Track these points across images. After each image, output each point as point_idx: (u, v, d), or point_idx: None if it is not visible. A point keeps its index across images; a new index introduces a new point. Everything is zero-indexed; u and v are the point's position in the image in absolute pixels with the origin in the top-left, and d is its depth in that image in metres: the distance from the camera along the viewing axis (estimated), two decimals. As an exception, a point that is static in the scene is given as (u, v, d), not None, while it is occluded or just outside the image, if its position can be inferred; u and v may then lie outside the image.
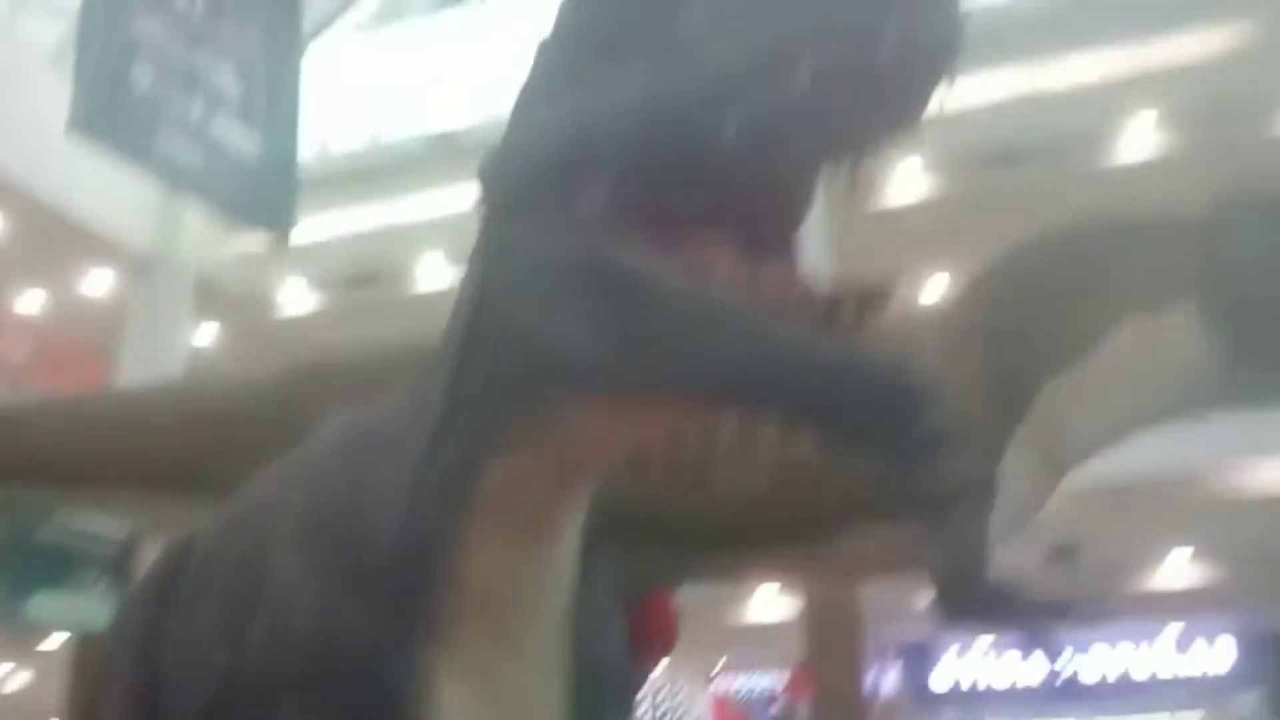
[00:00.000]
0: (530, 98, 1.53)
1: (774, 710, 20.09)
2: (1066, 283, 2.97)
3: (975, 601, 2.84)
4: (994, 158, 11.81)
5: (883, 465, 1.29)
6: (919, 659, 21.28)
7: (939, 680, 21.51)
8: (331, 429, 2.00)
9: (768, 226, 1.43)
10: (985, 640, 20.18)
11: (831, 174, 1.38)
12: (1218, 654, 20.15)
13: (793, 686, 19.86)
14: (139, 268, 12.57)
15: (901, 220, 12.01)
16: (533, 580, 1.69)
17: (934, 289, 12.79)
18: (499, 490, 1.62)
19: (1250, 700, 19.37)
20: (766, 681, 22.74)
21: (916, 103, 1.29)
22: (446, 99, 16.84)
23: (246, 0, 8.80)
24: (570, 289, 1.38)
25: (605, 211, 1.35)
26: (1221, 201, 2.91)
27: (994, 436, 2.89)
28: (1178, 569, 15.71)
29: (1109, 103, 12.14)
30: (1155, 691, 20.25)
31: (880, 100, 1.28)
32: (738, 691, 23.68)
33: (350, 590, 1.70)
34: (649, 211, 1.35)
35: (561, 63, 1.46)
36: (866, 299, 1.26)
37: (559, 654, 1.75)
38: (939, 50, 1.23)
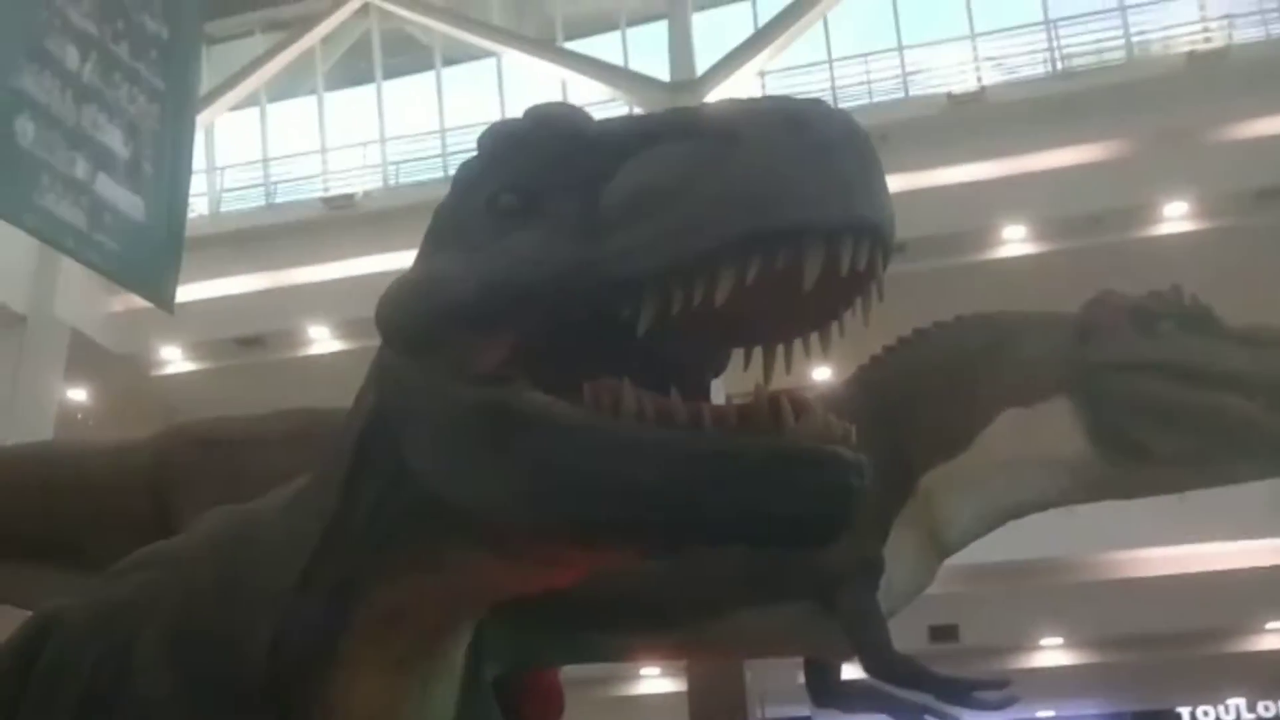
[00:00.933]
0: (443, 234, 1.45)
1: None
2: (948, 375, 3.07)
3: (888, 675, 2.87)
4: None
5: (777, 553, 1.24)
6: (801, 737, 21.28)
7: (820, 759, 21.51)
8: (209, 522, 1.88)
9: (680, 383, 1.34)
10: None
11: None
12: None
13: (675, 765, 19.64)
14: (11, 322, 12.11)
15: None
16: (411, 702, 1.61)
17: (821, 372, 13.09)
18: (383, 617, 1.54)
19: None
20: (649, 760, 22.44)
21: (834, 314, 1.25)
22: (342, 165, 16.79)
23: (139, 62, 8.65)
24: (468, 432, 1.31)
25: (507, 365, 1.29)
26: (1091, 303, 3.07)
27: (880, 518, 2.96)
28: (1049, 653, 16.10)
29: (990, 204, 12.72)
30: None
31: (796, 311, 1.24)
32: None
33: (217, 710, 1.61)
34: (550, 361, 1.28)
35: (482, 203, 1.38)
36: (783, 404, 1.19)
37: None
38: (864, 274, 1.17)
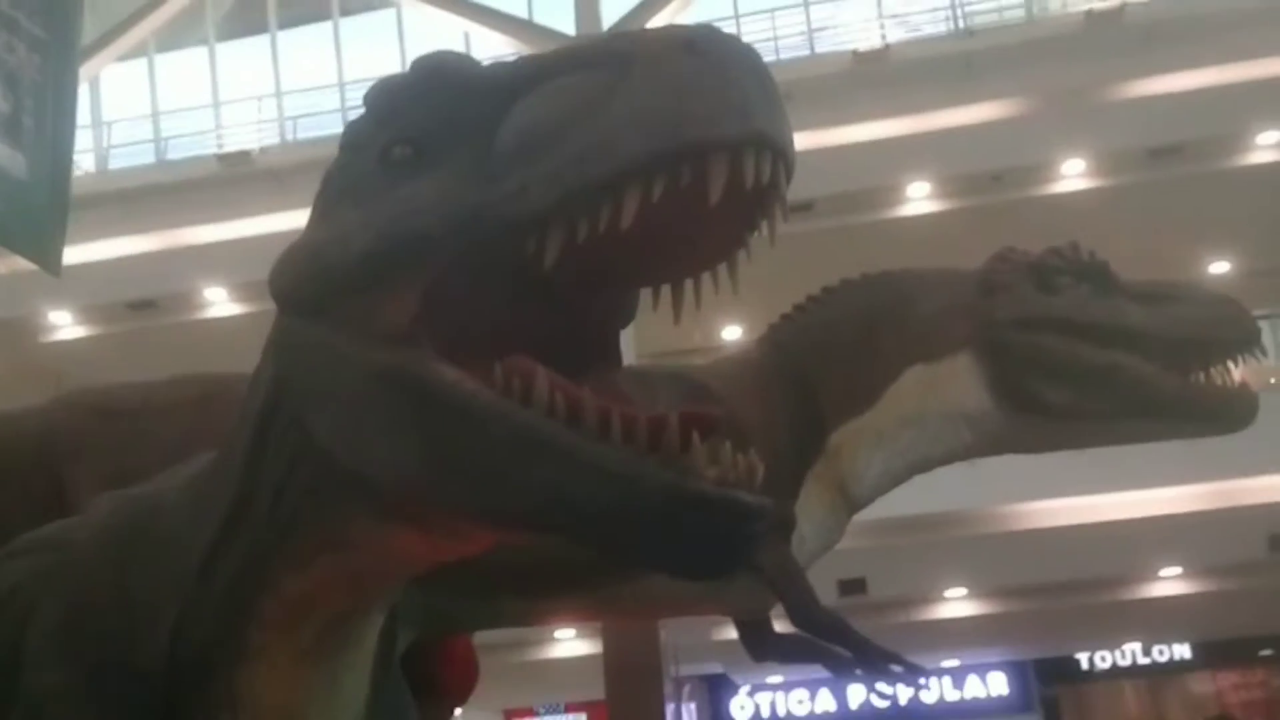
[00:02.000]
0: (337, 194, 1.39)
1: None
2: (855, 332, 3.09)
3: (818, 628, 2.89)
4: (791, 206, 12.27)
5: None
6: (717, 692, 21.65)
7: (736, 712, 21.94)
8: (103, 507, 1.77)
9: (587, 340, 1.34)
10: (779, 674, 20.75)
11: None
12: (992, 683, 21.39)
13: (590, 724, 19.83)
14: (-114, 287, 11.55)
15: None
16: (320, 693, 1.55)
17: (731, 331, 13.17)
18: (289, 604, 1.48)
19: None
20: (565, 720, 22.64)
21: (740, 240, 1.23)
22: (237, 119, 16.28)
23: (18, 10, 8.22)
24: (373, 403, 1.26)
25: (412, 325, 1.24)
26: (992, 260, 3.10)
27: (791, 474, 2.96)
28: (954, 604, 16.53)
29: (894, 162, 12.86)
30: (938, 718, 21.28)
31: (701, 242, 1.23)
32: (535, 730, 23.48)
33: (113, 702, 1.53)
34: (459, 329, 1.25)
35: (373, 158, 1.33)
36: (691, 422, 1.17)
37: None
38: (766, 190, 1.16)
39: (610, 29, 14.25)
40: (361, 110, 1.42)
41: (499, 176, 1.19)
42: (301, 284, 1.36)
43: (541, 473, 1.16)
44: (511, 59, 1.36)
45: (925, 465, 3.11)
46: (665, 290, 1.30)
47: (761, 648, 3.27)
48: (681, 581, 3.01)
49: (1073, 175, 13.13)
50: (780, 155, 1.16)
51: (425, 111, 1.30)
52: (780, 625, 3.22)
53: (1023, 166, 12.99)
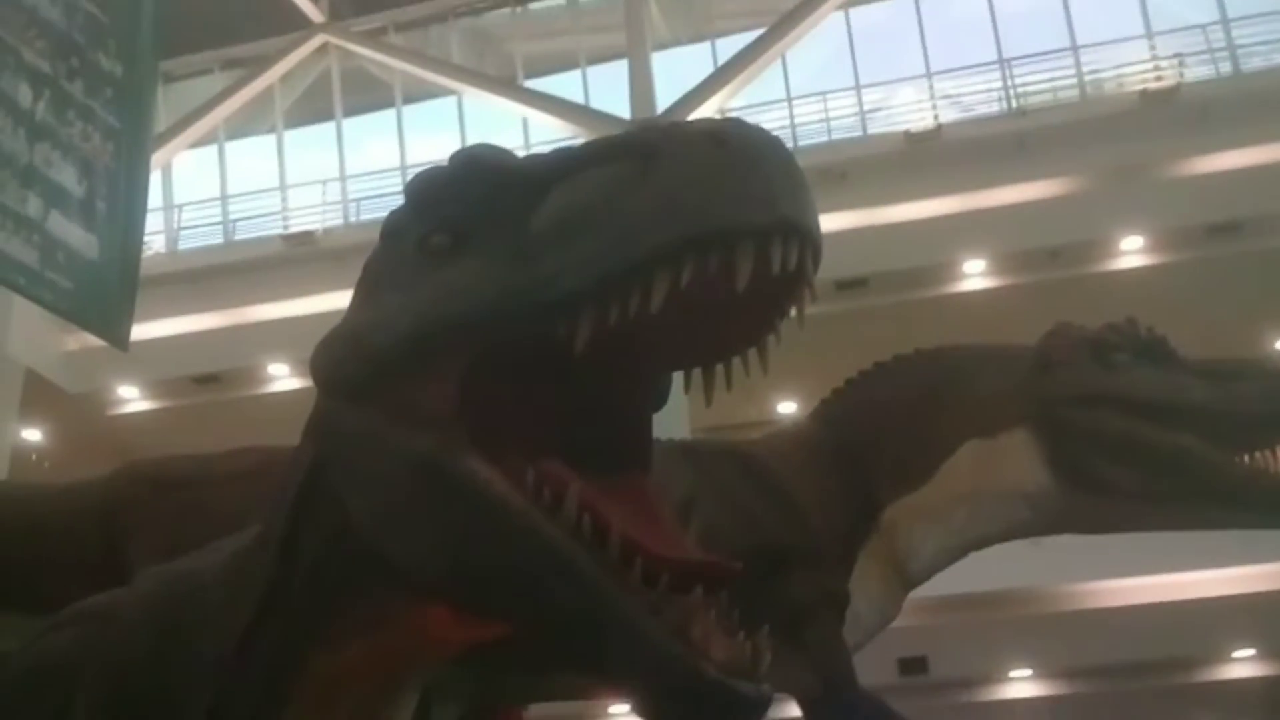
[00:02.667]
0: (376, 281, 1.43)
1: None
2: (909, 408, 3.07)
3: (853, 710, 2.83)
4: (845, 283, 12.32)
5: None
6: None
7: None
8: (146, 581, 1.81)
9: (615, 442, 1.37)
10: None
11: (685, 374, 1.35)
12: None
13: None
14: (-36, 363, 11.91)
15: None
16: None
17: (786, 406, 13.13)
18: (323, 684, 1.51)
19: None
20: (617, 801, 22.23)
21: (770, 324, 1.26)
22: (302, 202, 16.72)
23: (94, 100, 8.57)
24: (409, 492, 1.29)
25: (451, 412, 1.27)
26: (1049, 335, 3.09)
27: (845, 550, 2.95)
28: (1018, 685, 16.10)
29: (949, 239, 12.86)
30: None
31: (730, 327, 1.25)
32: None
33: None
34: (496, 417, 1.28)
35: (412, 246, 1.37)
36: (712, 578, 1.20)
37: None
38: (793, 277, 1.18)
39: (664, 113, 14.51)
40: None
41: (534, 262, 1.23)
42: (342, 368, 1.39)
43: (559, 594, 1.19)
44: (548, 150, 1.40)
45: (981, 543, 3.07)
46: (697, 373, 1.33)
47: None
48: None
49: (1130, 251, 13.04)
50: (807, 241, 1.19)
51: (463, 201, 1.34)
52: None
53: (1079, 243, 12.93)
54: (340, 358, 1.40)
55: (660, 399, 1.42)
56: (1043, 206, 12.71)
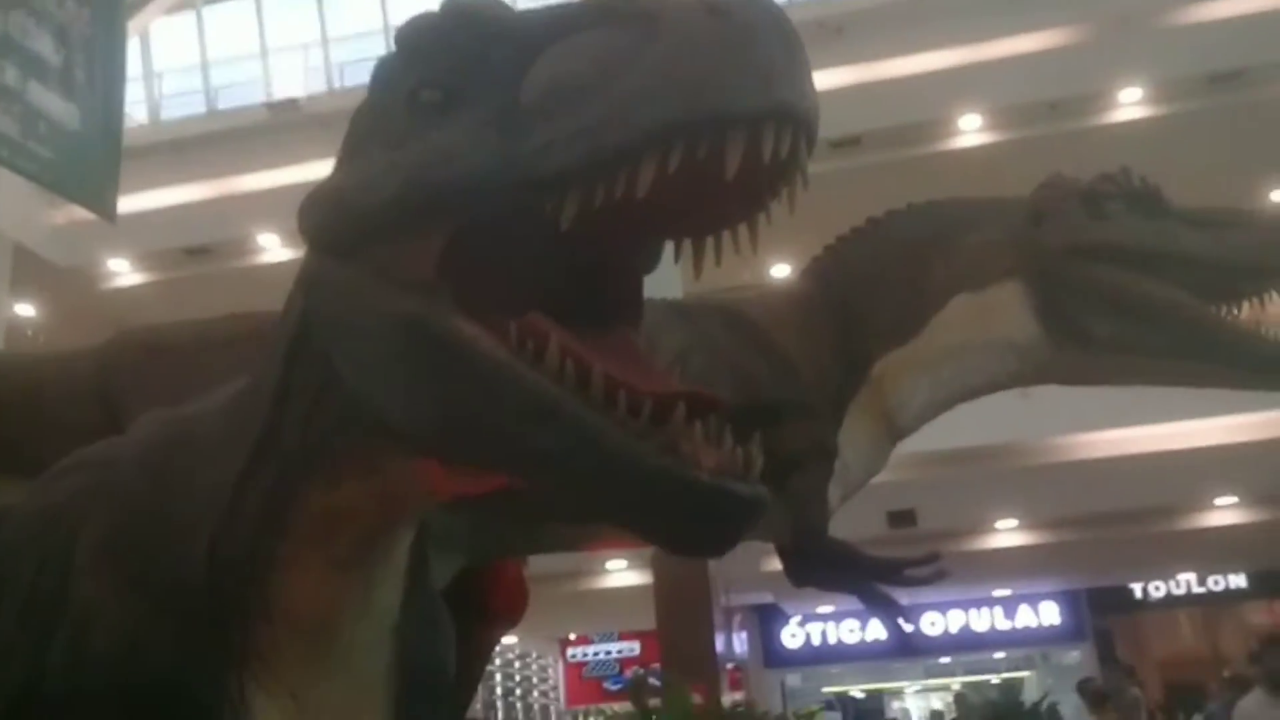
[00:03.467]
0: (365, 134, 1.43)
1: (627, 676, 20.31)
2: (900, 262, 3.09)
3: (821, 558, 2.91)
4: (836, 142, 12.14)
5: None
6: (767, 622, 21.91)
7: (787, 641, 22.20)
8: (145, 426, 1.86)
9: (605, 298, 1.38)
10: (830, 603, 20.93)
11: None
12: (1045, 613, 21.44)
13: (644, 653, 20.18)
14: (-48, 238, 11.82)
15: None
16: (354, 601, 1.63)
17: (780, 268, 13.11)
18: (320, 519, 1.55)
19: (1076, 656, 20.64)
20: (619, 649, 23.05)
21: (758, 206, 1.25)
22: (286, 67, 16.33)
23: (66, -36, 8.30)
24: (394, 350, 1.31)
25: (435, 273, 1.28)
26: (1042, 187, 3.08)
27: (835, 404, 2.99)
28: (1005, 535, 16.52)
29: (945, 94, 12.62)
30: (990, 647, 21.40)
31: (722, 202, 1.24)
32: (591, 660, 23.94)
33: (156, 610, 1.61)
34: (480, 277, 1.29)
35: (402, 100, 1.36)
36: (696, 405, 1.21)
37: (382, 666, 1.70)
38: (786, 162, 1.17)
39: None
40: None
41: (522, 132, 1.22)
42: (328, 226, 1.40)
43: (545, 438, 1.20)
44: (541, 5, 1.36)
45: (970, 394, 3.12)
46: (687, 244, 1.33)
47: (804, 574, 3.32)
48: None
49: (1130, 104, 12.83)
50: (801, 127, 1.17)
51: (453, 55, 1.32)
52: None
53: (1079, 95, 12.71)
54: (326, 215, 1.41)
55: (652, 261, 1.42)
56: (1041, 58, 12.44)
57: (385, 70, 1.43)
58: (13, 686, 1.77)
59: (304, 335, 1.49)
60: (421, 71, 1.35)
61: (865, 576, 2.95)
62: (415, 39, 1.39)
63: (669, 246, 1.37)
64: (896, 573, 2.94)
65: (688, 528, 1.20)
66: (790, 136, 1.16)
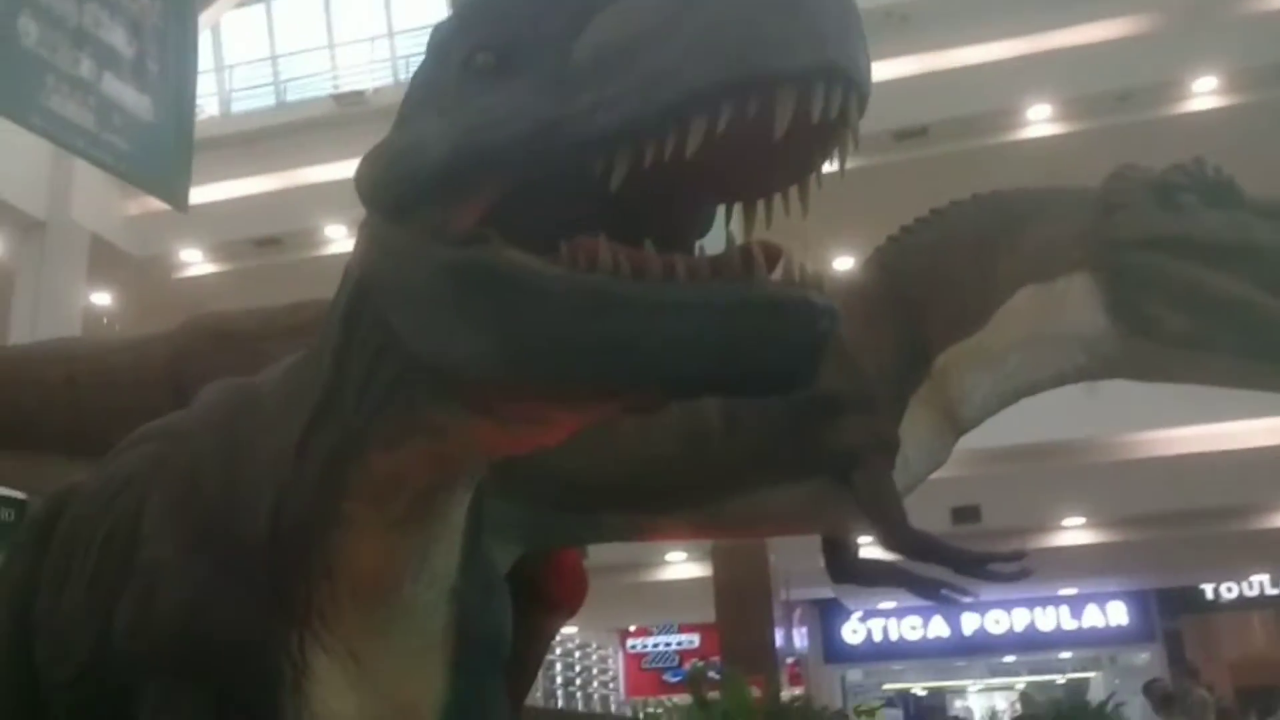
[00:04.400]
0: (420, 98, 1.45)
1: (686, 668, 20.35)
2: (965, 254, 3.05)
3: (909, 548, 2.90)
4: (904, 132, 12.01)
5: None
6: (828, 617, 21.80)
7: (848, 636, 22.07)
8: (210, 395, 1.93)
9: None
10: (890, 599, 20.77)
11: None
12: (1112, 612, 21.06)
13: (704, 646, 20.19)
14: (30, 228, 12.13)
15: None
16: (412, 561, 1.65)
17: (844, 262, 13.01)
18: (379, 480, 1.58)
19: (1144, 657, 20.26)
20: (678, 641, 23.08)
21: (808, 167, 1.25)
22: (353, 60, 16.54)
23: (140, -40, 8.47)
24: (447, 295, 1.33)
25: (482, 226, 1.30)
26: (1113, 178, 3.01)
27: (896, 397, 2.97)
28: (1072, 532, 16.27)
29: (1014, 84, 12.42)
30: (1055, 647, 21.07)
31: (773, 164, 1.24)
32: (650, 651, 24.01)
33: (221, 571, 1.66)
34: (531, 227, 1.29)
35: (456, 64, 1.37)
36: (755, 253, 1.21)
37: (439, 628, 1.72)
38: (836, 123, 1.17)
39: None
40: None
41: (572, 94, 1.22)
42: (380, 188, 1.44)
43: (609, 324, 1.20)
44: None
45: (1034, 388, 3.07)
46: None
47: (843, 571, 3.30)
48: (782, 501, 3.06)
49: (1204, 93, 12.52)
50: (851, 87, 1.15)
51: (508, 18, 1.34)
52: (869, 549, 3.25)
53: (1149, 85, 12.42)
54: (381, 176, 1.44)
55: (703, 227, 1.42)
56: (1112, 47, 12.18)
57: (441, 35, 1.45)
58: (83, 652, 1.84)
59: (361, 297, 1.52)
60: (476, 36, 1.36)
61: (950, 565, 2.93)
62: (471, 5, 1.41)
63: (720, 213, 1.37)
64: (981, 566, 2.92)
65: (766, 353, 1.18)
66: (840, 97, 1.15)
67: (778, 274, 1.19)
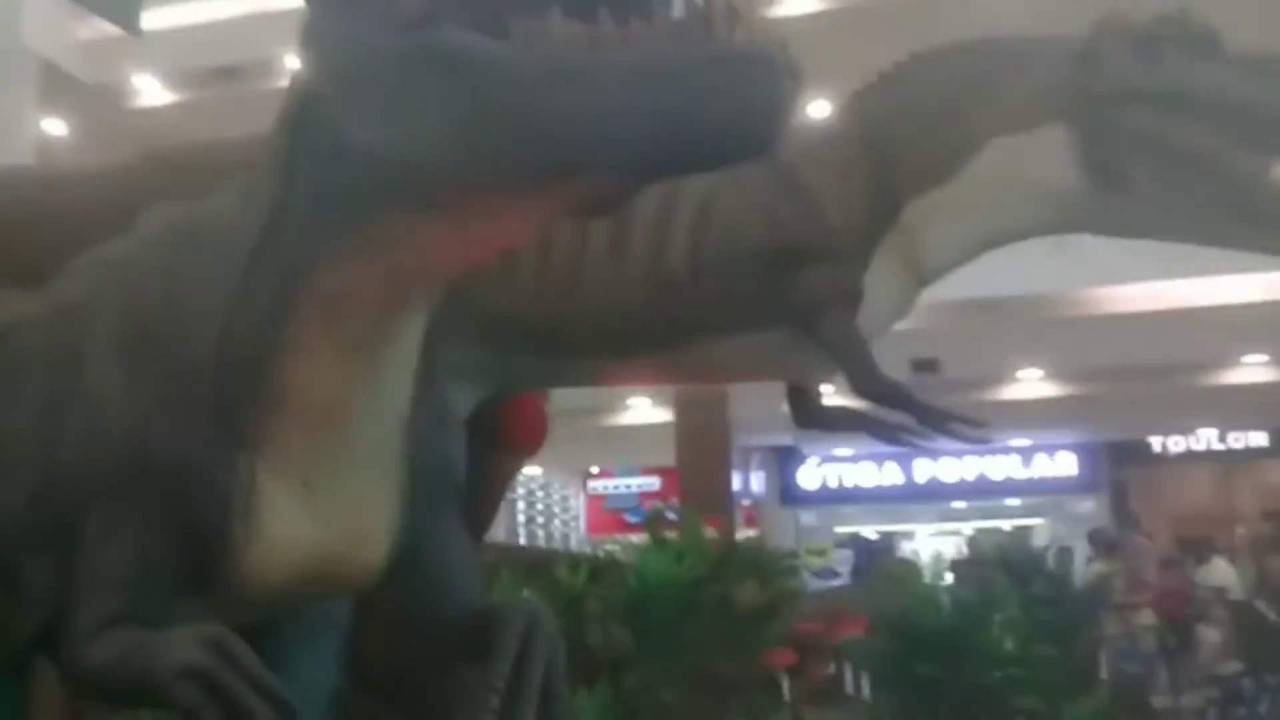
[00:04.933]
0: None
1: (646, 511, 20.95)
2: (939, 102, 3.00)
3: (876, 392, 2.94)
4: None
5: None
6: (785, 462, 22.34)
7: (803, 482, 22.67)
8: (154, 219, 1.89)
9: None
10: (847, 446, 21.27)
11: None
12: (1061, 463, 21.71)
13: (663, 488, 20.69)
14: (-23, 53, 11.69)
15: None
16: (363, 388, 1.64)
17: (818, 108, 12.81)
18: (328, 299, 1.56)
19: (1089, 506, 20.99)
20: (638, 483, 23.63)
21: None
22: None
23: None
24: (400, 84, 1.29)
25: (428, 10, 1.27)
26: (1095, 28, 2.95)
27: (863, 245, 2.96)
28: (1028, 385, 16.59)
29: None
30: (1004, 494, 21.78)
31: None
32: (611, 492, 24.60)
33: (168, 395, 1.65)
34: (476, 16, 1.26)
35: None
36: (713, 12, 1.19)
37: (392, 457, 1.72)
38: None
39: None
40: None
41: None
42: None
43: (568, 98, 1.19)
44: None
45: (1003, 240, 3.07)
46: None
47: (807, 417, 3.35)
48: (745, 349, 3.09)
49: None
50: None
51: None
52: (840, 396, 3.29)
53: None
54: None
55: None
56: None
57: None
58: (33, 482, 1.82)
59: (307, 101, 1.49)
60: None
61: (914, 415, 2.98)
62: None
63: None
64: (943, 422, 2.97)
65: (735, 106, 1.18)
66: None
67: (738, 35, 1.18)
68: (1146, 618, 8.92)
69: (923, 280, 3.10)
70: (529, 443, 3.24)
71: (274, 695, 1.47)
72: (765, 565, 6.60)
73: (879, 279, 2.98)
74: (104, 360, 1.73)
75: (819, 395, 3.36)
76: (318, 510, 1.67)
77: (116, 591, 1.62)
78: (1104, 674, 8.91)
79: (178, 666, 1.46)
